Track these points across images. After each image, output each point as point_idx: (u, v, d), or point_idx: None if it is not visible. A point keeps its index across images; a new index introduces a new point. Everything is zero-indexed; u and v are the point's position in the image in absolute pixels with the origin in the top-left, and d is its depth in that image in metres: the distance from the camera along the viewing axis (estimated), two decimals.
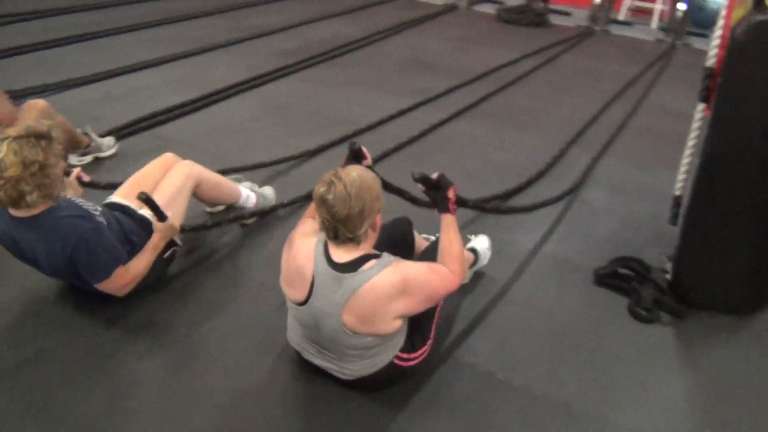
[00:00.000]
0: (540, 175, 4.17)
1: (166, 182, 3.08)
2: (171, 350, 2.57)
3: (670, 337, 2.79)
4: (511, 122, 5.09)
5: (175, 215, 2.89)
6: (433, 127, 4.86)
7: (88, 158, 4.06)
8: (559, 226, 3.64)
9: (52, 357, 2.50)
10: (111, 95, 5.09)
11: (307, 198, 3.70)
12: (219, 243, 3.33)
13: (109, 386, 2.36)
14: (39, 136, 2.35)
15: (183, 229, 2.97)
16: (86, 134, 4.05)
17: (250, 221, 3.50)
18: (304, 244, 2.21)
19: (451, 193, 2.42)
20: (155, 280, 2.91)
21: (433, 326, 2.46)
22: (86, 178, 3.02)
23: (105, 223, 2.60)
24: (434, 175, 2.42)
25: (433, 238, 2.90)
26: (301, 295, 2.19)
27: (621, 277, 3.09)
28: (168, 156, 3.26)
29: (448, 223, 2.39)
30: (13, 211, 2.43)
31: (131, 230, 2.80)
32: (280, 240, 2.39)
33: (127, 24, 6.80)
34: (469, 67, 6.32)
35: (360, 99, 5.40)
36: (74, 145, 3.97)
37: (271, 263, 2.70)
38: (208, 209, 3.50)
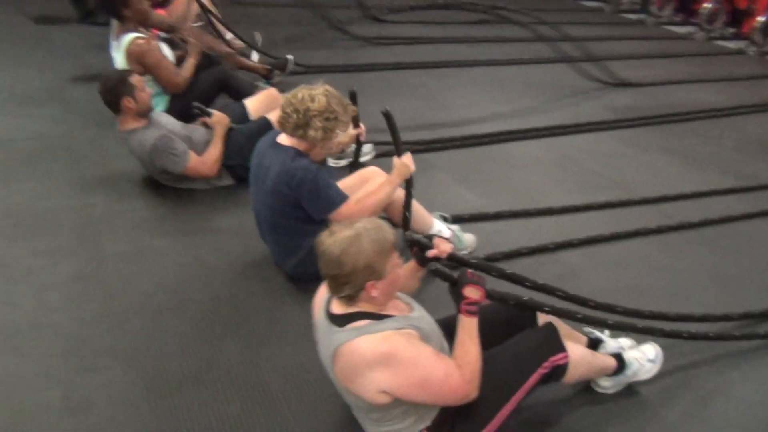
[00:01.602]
0: None
1: (369, 187, 3.09)
2: None
3: None
4: None
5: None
6: (730, 219, 3.99)
7: (344, 162, 4.28)
8: None
9: None
10: (421, 117, 5.27)
11: (509, 256, 3.37)
12: None
13: None
14: (343, 101, 2.80)
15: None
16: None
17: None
18: (323, 286, 2.06)
19: (469, 292, 1.98)
20: None
21: (497, 419, 2.02)
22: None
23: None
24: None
25: None
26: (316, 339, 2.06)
27: None
28: (376, 169, 3.34)
29: (463, 325, 1.99)
30: (282, 137, 2.84)
31: None
32: None
33: (483, 59, 7.00)
34: None
35: (663, 170, 4.73)
36: None
37: None
38: None
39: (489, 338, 2.03)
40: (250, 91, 4.54)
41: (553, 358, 2.06)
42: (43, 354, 2.50)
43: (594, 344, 2.50)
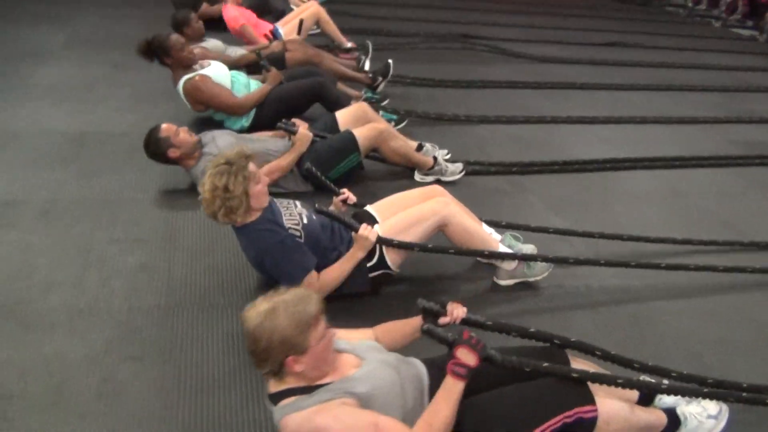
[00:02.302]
0: None
1: (414, 210, 3.05)
2: None
3: None
4: None
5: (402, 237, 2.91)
6: None
7: (430, 178, 4.19)
8: None
9: None
10: (525, 137, 5.11)
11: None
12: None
13: None
14: (227, 163, 2.60)
15: (385, 242, 2.88)
16: (434, 157, 4.20)
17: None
18: None
19: (461, 354, 1.88)
20: (358, 294, 2.93)
21: None
22: (352, 200, 3.16)
23: (299, 235, 2.75)
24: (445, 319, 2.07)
25: None
26: None
27: None
28: (436, 188, 3.28)
29: (445, 384, 1.89)
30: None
31: (342, 240, 2.91)
32: None
33: (603, 82, 6.66)
34: None
35: None
36: (416, 164, 4.17)
37: None
38: None
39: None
40: (345, 103, 4.56)
41: (578, 409, 1.86)
42: (94, 338, 2.60)
43: (647, 396, 2.23)
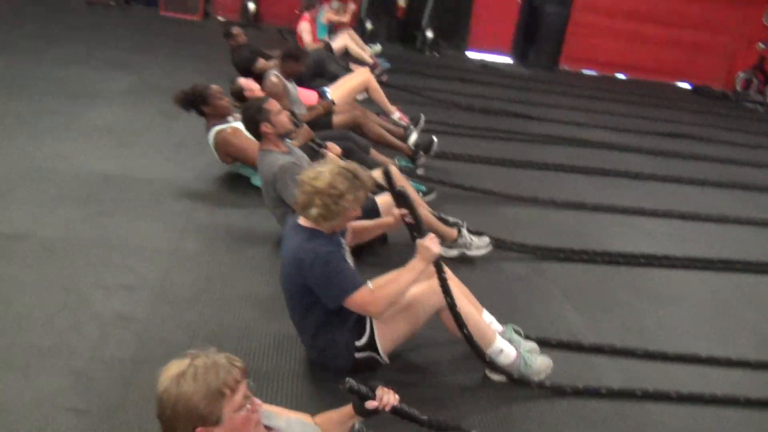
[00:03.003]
0: None
1: (412, 291, 2.83)
2: None
3: None
4: None
5: (395, 323, 2.77)
6: None
7: (454, 252, 4.02)
8: None
9: None
10: (560, 222, 4.89)
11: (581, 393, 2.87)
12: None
13: None
14: (356, 177, 2.61)
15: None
16: (458, 229, 4.02)
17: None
18: None
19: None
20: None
21: None
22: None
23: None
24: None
25: None
26: None
27: None
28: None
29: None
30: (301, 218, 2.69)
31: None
32: None
33: (659, 173, 6.33)
34: None
35: None
36: (440, 236, 3.99)
37: None
38: None
39: None
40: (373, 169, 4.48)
41: None
42: (44, 383, 2.52)
43: None
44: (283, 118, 3.71)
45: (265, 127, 3.64)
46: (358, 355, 2.74)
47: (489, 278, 3.87)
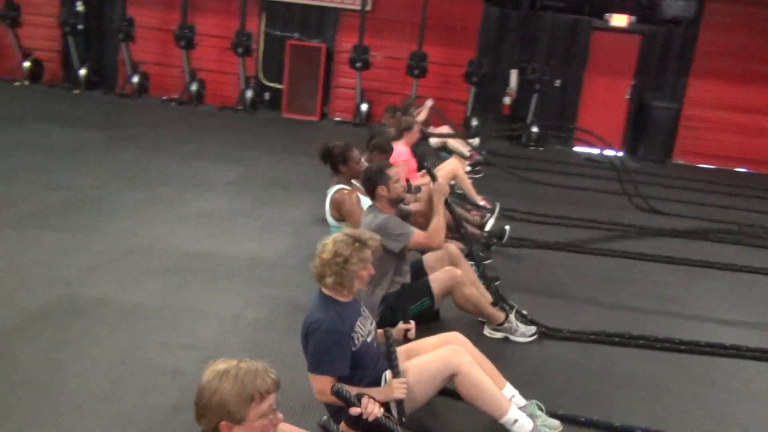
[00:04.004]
0: None
1: (428, 356, 3.02)
2: None
3: None
4: None
5: (411, 387, 2.84)
6: None
7: (499, 335, 4.09)
8: None
9: None
10: (627, 307, 4.81)
11: None
12: None
13: None
14: (357, 240, 2.87)
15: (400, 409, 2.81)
16: (506, 312, 4.09)
17: None
18: None
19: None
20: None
21: None
22: (412, 335, 3.19)
23: (355, 344, 2.84)
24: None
25: None
26: None
27: None
28: (456, 335, 3.22)
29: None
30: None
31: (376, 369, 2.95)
32: None
33: (751, 265, 6.03)
34: None
35: None
36: (487, 317, 4.09)
37: None
38: None
39: None
40: None
41: None
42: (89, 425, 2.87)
43: None
44: (399, 187, 4.01)
45: (381, 190, 3.95)
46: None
47: (535, 361, 3.89)
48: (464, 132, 10.51)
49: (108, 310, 3.94)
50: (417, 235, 3.92)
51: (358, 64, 11.47)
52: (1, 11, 11.71)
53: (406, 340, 3.18)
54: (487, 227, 5.83)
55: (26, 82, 11.99)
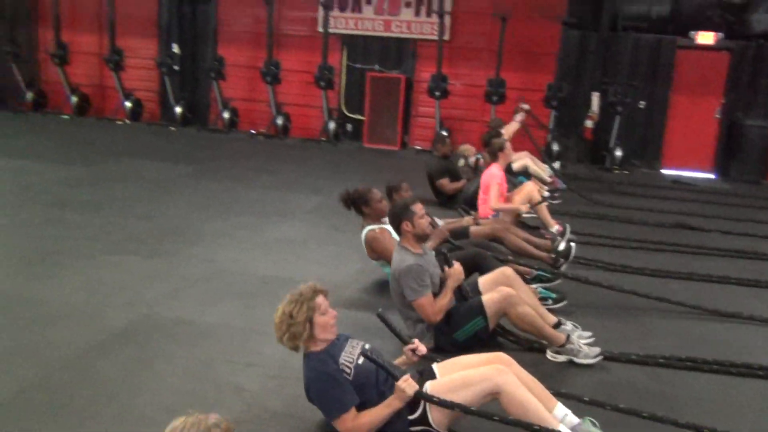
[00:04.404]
0: None
1: (468, 372, 3.08)
2: None
3: None
4: None
5: (444, 395, 2.93)
6: None
7: (562, 358, 4.04)
8: None
9: None
10: (699, 332, 4.65)
11: None
12: None
13: None
14: (299, 294, 3.09)
15: (425, 397, 2.94)
16: (567, 335, 4.05)
17: None
18: None
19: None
20: None
21: None
22: (422, 351, 3.27)
23: (348, 372, 3.00)
24: None
25: None
26: None
27: None
28: (501, 355, 3.25)
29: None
30: None
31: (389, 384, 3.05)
32: None
33: None
34: None
35: None
36: (547, 339, 4.06)
37: None
38: None
39: None
40: None
41: None
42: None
43: None
44: (424, 222, 4.10)
45: (406, 226, 4.06)
46: (412, 428, 2.96)
47: (597, 378, 3.83)
48: (545, 156, 10.42)
49: (184, 330, 4.19)
50: (426, 298, 3.94)
51: (437, 93, 11.65)
52: (106, 56, 12.69)
53: (425, 359, 3.27)
54: (561, 246, 5.78)
55: (127, 121, 12.89)
